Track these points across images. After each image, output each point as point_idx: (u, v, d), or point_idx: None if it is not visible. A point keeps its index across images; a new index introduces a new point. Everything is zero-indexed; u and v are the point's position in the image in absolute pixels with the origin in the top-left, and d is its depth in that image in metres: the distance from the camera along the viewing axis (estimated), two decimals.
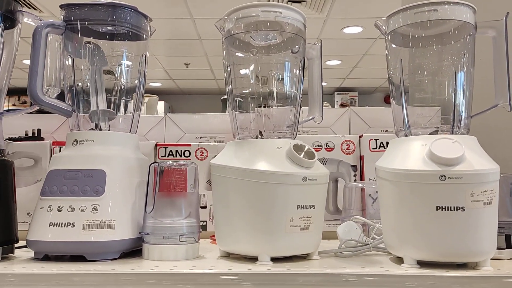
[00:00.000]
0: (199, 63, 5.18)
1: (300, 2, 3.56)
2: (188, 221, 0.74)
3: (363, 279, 0.60)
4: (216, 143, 1.03)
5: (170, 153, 1.01)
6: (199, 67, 5.36)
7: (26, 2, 3.38)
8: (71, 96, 0.80)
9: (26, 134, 1.04)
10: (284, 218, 0.67)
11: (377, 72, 5.48)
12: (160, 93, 5.31)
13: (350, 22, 3.94)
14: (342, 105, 6.04)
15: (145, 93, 0.99)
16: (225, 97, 1.61)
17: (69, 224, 0.69)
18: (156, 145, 1.01)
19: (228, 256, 0.75)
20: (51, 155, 0.98)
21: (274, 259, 0.68)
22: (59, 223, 0.69)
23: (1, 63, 0.74)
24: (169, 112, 5.90)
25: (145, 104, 3.11)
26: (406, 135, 0.72)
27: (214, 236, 0.93)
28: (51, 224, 0.69)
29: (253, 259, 0.69)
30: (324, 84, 0.83)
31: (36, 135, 1.04)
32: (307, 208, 0.68)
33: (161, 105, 5.84)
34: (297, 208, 0.68)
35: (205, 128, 1.15)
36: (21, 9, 0.76)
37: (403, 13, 0.71)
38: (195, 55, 4.90)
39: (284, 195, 0.67)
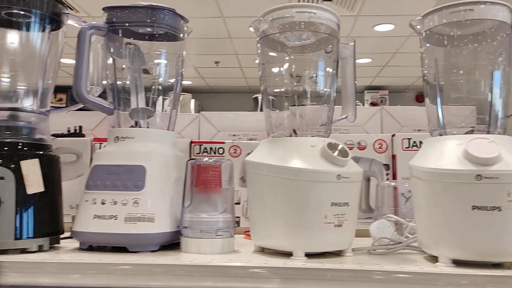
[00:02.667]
0: (229, 61, 5.23)
1: (331, 0, 3.54)
2: (224, 216, 0.76)
3: (397, 276, 0.61)
4: (249, 141, 1.05)
5: (205, 150, 1.04)
6: (229, 65, 5.40)
7: (63, 2, 3.49)
8: (112, 94, 0.84)
9: (69, 131, 1.09)
10: (318, 215, 0.68)
11: (408, 70, 5.39)
12: (190, 91, 5.38)
13: (381, 20, 3.89)
14: (372, 104, 5.97)
15: None
16: (257, 95, 1.64)
17: (112, 216, 0.73)
18: (191, 142, 1.04)
19: (263, 251, 0.76)
20: (92, 151, 1.03)
21: (308, 255, 0.70)
22: (103, 215, 0.73)
23: (48, 63, 0.78)
24: (199, 110, 5.95)
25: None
26: (441, 135, 0.72)
27: (247, 231, 0.95)
28: (95, 216, 0.73)
29: (287, 254, 0.71)
30: None
31: (77, 131, 1.09)
32: (341, 206, 0.69)
33: (191, 103, 5.92)
34: (331, 205, 0.69)
35: (238, 126, 1.17)
36: (66, 11, 0.80)
37: (438, 13, 0.71)
38: (225, 53, 4.94)
39: (318, 192, 0.68)
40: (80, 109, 0.99)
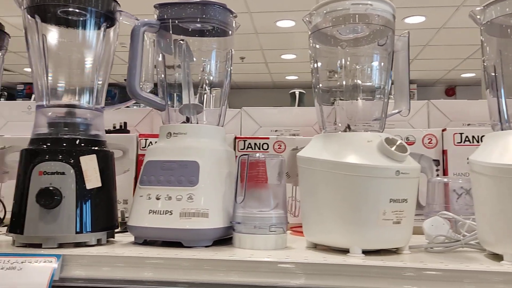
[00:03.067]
0: (254, 57, 5.22)
1: None
2: (276, 212, 0.76)
3: (463, 275, 0.59)
4: (294, 137, 1.04)
5: (249, 146, 1.03)
6: (254, 61, 5.39)
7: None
8: (162, 90, 0.84)
9: (114, 127, 1.10)
10: (376, 211, 0.67)
11: (438, 63, 5.28)
12: None
13: (412, 12, 3.81)
14: None
15: None
16: (294, 90, 1.63)
17: (167, 212, 0.73)
18: (235, 138, 1.04)
19: (315, 247, 0.76)
20: (137, 147, 1.04)
21: (365, 252, 0.69)
22: (158, 210, 0.73)
23: (103, 60, 0.79)
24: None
25: None
26: (503, 129, 0.70)
27: (293, 227, 0.95)
28: (150, 211, 0.74)
29: (342, 251, 0.70)
30: None
31: (123, 127, 1.10)
32: (399, 202, 0.68)
33: None
34: (390, 201, 0.68)
35: (279, 122, 1.17)
36: (120, 9, 0.80)
37: (501, 3, 0.69)
38: (250, 49, 4.94)
39: (377, 188, 0.67)
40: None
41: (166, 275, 0.63)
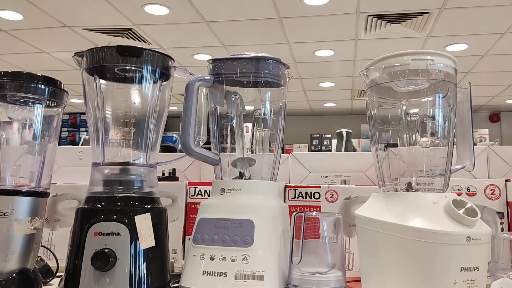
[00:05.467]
0: (292, 85, 5.23)
1: (399, 23, 3.45)
2: (335, 275, 0.72)
3: None
4: (346, 186, 1.01)
5: (300, 195, 1.01)
6: (293, 89, 5.40)
7: (137, 35, 3.66)
8: (215, 143, 0.83)
9: (163, 174, 1.10)
10: (446, 281, 0.63)
11: (482, 89, 5.13)
12: None
13: (454, 40, 3.73)
14: None
15: None
16: (341, 130, 1.60)
17: (221, 273, 0.71)
18: (285, 186, 1.02)
19: None
20: (186, 195, 1.03)
21: None
22: (212, 271, 0.71)
23: (158, 115, 0.79)
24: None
25: None
26: None
27: (349, 282, 0.90)
28: (204, 272, 0.72)
29: None
30: None
31: (171, 174, 1.10)
32: (471, 270, 0.63)
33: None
34: (461, 270, 0.63)
35: (329, 167, 1.14)
36: (174, 65, 0.81)
37: None
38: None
39: (446, 255, 0.63)
40: (167, 150, 1.00)
41: None
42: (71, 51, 4.00)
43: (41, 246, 0.87)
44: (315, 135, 5.89)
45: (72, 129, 5.90)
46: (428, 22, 3.39)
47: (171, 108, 6.11)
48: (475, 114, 6.14)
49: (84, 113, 6.47)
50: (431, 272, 0.63)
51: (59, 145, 0.92)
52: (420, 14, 3.29)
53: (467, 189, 0.94)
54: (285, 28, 3.60)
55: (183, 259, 0.99)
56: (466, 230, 0.64)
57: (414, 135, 0.75)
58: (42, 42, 3.87)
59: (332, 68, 4.57)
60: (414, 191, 0.72)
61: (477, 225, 0.65)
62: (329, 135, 5.75)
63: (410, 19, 3.36)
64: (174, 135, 5.94)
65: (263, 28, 3.59)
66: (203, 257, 0.73)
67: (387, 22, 3.46)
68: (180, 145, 0.80)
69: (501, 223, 0.92)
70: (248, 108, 0.85)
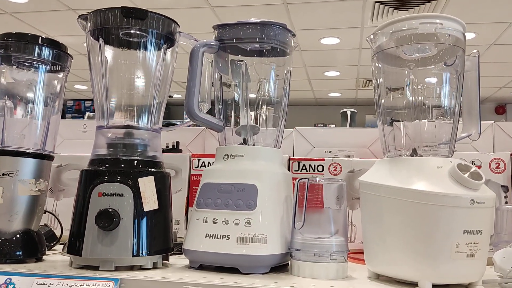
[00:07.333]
0: (297, 74, 5.21)
1: (407, 10, 3.43)
2: (337, 240, 0.72)
3: None
4: (350, 159, 1.00)
5: (303, 167, 1.00)
6: (297, 78, 5.38)
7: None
8: (219, 111, 0.83)
9: (167, 146, 1.10)
10: (449, 243, 0.62)
11: (488, 80, 5.09)
12: None
13: None
14: None
15: None
16: (346, 109, 1.59)
17: (224, 236, 0.71)
18: (289, 159, 1.01)
19: (378, 277, 0.72)
20: (190, 167, 1.03)
21: (434, 286, 0.64)
22: (215, 234, 0.72)
23: (162, 81, 0.79)
24: None
25: None
26: None
27: (351, 253, 0.90)
28: (207, 235, 0.72)
29: (408, 284, 0.65)
30: None
31: (175, 147, 1.10)
32: (474, 234, 0.63)
33: None
34: (464, 233, 0.63)
35: (333, 142, 1.13)
36: (179, 30, 0.80)
37: None
38: (293, 66, 4.93)
39: (450, 218, 0.63)
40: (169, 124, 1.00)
41: None
42: (75, 35, 4.02)
43: (47, 211, 0.88)
44: (319, 125, 5.88)
45: (77, 115, 5.92)
46: (436, 9, 3.36)
47: (175, 96, 6.11)
48: (481, 105, 6.10)
49: (88, 100, 6.50)
50: (434, 235, 0.63)
51: (64, 114, 0.92)
52: (428, 1, 3.26)
53: (472, 163, 0.93)
54: (291, 14, 3.58)
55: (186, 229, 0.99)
56: (470, 193, 0.63)
57: (421, 103, 0.75)
58: (47, 25, 3.87)
59: (337, 56, 4.54)
60: (419, 157, 0.71)
61: (481, 189, 0.65)
62: (333, 125, 5.74)
63: (418, 6, 3.33)
64: (178, 122, 5.94)
65: (268, 14, 3.57)
66: (206, 221, 0.73)
67: (394, 9, 3.43)
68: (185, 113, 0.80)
69: (505, 197, 0.92)
70: (252, 96, 0.84)
